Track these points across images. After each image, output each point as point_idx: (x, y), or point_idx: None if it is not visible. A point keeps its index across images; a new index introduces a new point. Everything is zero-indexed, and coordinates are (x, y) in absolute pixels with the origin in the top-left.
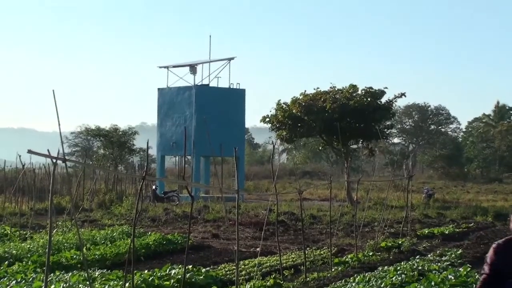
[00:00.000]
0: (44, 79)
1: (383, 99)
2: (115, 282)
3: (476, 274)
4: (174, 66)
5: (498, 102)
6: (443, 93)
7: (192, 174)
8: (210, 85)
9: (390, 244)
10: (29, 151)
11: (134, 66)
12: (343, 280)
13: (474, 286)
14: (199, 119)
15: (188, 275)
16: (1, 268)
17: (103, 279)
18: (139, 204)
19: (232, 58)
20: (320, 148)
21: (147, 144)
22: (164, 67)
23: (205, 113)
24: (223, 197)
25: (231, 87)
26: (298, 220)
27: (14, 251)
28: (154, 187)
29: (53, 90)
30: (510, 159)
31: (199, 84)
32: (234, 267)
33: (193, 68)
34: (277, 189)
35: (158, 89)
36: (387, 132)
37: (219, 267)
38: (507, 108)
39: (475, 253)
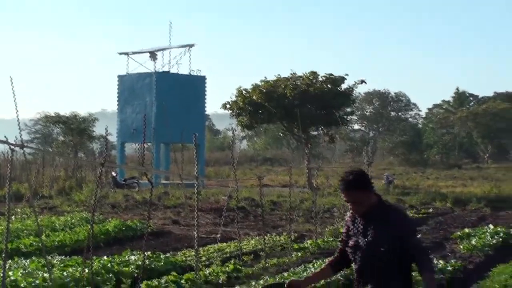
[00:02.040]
0: (2, 65)
1: (344, 86)
2: (74, 268)
3: (435, 259)
4: (134, 53)
5: (457, 89)
6: (404, 80)
7: (152, 160)
8: (171, 72)
9: None
10: None
11: (95, 52)
12: (302, 266)
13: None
14: (160, 106)
15: (147, 261)
16: None
17: (62, 265)
18: (98, 191)
19: (193, 45)
20: (280, 134)
21: (106, 131)
22: (124, 53)
23: (165, 99)
24: (183, 183)
25: (192, 74)
26: (258, 206)
27: None
28: (114, 173)
29: (11, 77)
30: (470, 146)
31: (159, 71)
32: (194, 253)
33: (153, 54)
34: (237, 175)
35: (118, 75)
36: (347, 119)
37: (179, 253)
38: (466, 94)
39: (434, 238)
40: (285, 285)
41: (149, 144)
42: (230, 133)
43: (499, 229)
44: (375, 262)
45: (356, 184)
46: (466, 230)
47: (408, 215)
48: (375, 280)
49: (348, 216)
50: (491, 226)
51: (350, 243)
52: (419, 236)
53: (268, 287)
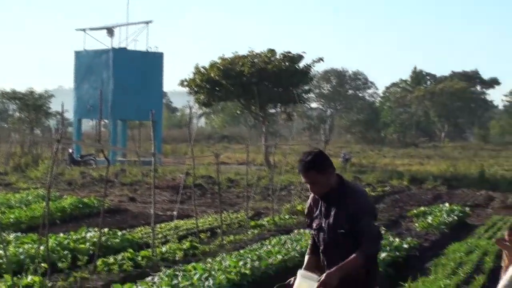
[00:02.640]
0: None
1: (301, 64)
2: (30, 246)
3: (390, 236)
4: (91, 29)
5: (415, 68)
6: (361, 59)
7: (109, 138)
8: (128, 48)
9: None
10: None
11: (51, 28)
12: (259, 243)
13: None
14: (117, 82)
15: (104, 238)
16: None
17: (18, 242)
18: (54, 168)
19: (150, 22)
20: (238, 112)
21: (62, 107)
22: (81, 29)
23: (122, 76)
24: (140, 160)
25: (149, 50)
26: (215, 183)
27: None
28: (70, 150)
29: None
30: (426, 124)
31: (116, 47)
32: (150, 230)
33: (110, 31)
34: (194, 153)
35: (75, 52)
36: (305, 97)
37: (135, 230)
38: (424, 73)
39: (390, 216)
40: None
41: (106, 121)
42: (187, 111)
43: (454, 207)
44: (337, 243)
45: (313, 165)
46: (422, 208)
47: (366, 196)
48: (339, 261)
49: (311, 198)
50: (446, 204)
51: (314, 225)
52: (371, 219)
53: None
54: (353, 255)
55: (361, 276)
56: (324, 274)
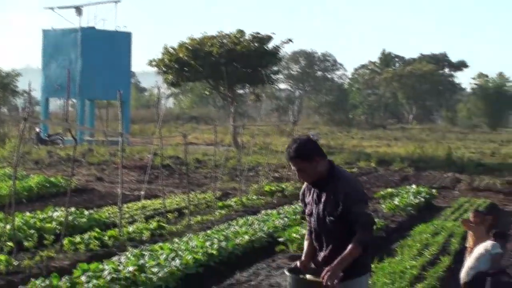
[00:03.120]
0: None
1: (270, 45)
2: None
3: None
4: (59, 7)
5: (384, 50)
6: (330, 40)
7: (76, 117)
8: (96, 28)
9: (274, 188)
10: None
11: (19, 6)
12: (226, 223)
13: None
14: (85, 62)
15: (70, 217)
16: None
17: None
18: (21, 147)
19: (119, 1)
20: (206, 92)
21: (29, 86)
22: (49, 8)
23: (90, 56)
24: (108, 140)
25: (117, 30)
26: (183, 164)
27: None
28: (37, 129)
29: None
30: (394, 106)
31: (85, 26)
32: (117, 210)
33: (78, 9)
34: (162, 133)
35: (43, 30)
36: (273, 78)
37: (102, 210)
38: (392, 56)
39: None
40: (300, 266)
41: (74, 100)
42: (156, 91)
43: (421, 189)
44: (328, 229)
45: (298, 153)
46: (389, 189)
47: (356, 183)
48: (331, 246)
49: (305, 184)
50: (413, 186)
51: (307, 210)
52: (363, 205)
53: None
54: (351, 245)
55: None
56: (327, 270)
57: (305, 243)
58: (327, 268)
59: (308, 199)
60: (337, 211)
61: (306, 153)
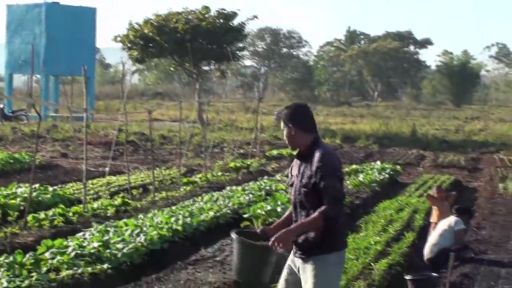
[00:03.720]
0: None
1: (235, 21)
2: None
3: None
4: None
5: (349, 27)
6: (296, 17)
7: (41, 93)
8: (61, 3)
9: (239, 165)
10: None
11: None
12: (191, 199)
13: None
14: (49, 37)
15: (35, 193)
16: None
17: None
18: None
19: None
20: (172, 69)
21: None
22: None
23: (55, 31)
24: (72, 116)
25: (82, 5)
26: (148, 140)
27: None
28: (1, 106)
29: None
30: (360, 83)
31: (49, 1)
32: (82, 186)
33: None
34: (127, 109)
35: (7, 5)
36: (239, 54)
37: (67, 186)
38: (357, 33)
39: None
40: (259, 231)
41: (38, 76)
42: (120, 67)
43: (386, 165)
44: (301, 200)
45: (283, 116)
46: (354, 166)
47: (332, 157)
48: (302, 218)
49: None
50: (378, 162)
51: (289, 181)
52: (335, 180)
53: (239, 233)
54: (313, 214)
55: (317, 236)
56: (279, 232)
57: (285, 214)
58: (281, 231)
59: (293, 171)
60: (310, 182)
61: (288, 118)
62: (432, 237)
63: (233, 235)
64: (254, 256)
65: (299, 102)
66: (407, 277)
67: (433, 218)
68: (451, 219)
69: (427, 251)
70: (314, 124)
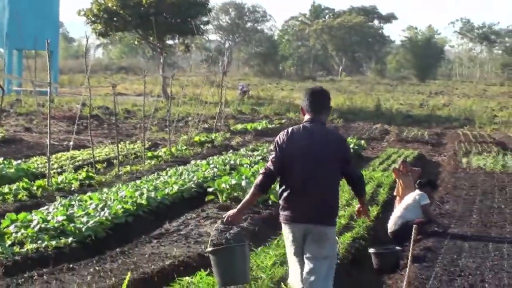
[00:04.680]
0: None
1: None
2: None
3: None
4: None
5: (314, 2)
6: None
7: (4, 67)
8: None
9: (203, 139)
10: None
11: None
12: (156, 174)
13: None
14: (12, 10)
15: None
16: None
17: None
18: None
19: None
20: (136, 43)
21: None
22: None
23: (18, 5)
24: (36, 90)
25: None
26: (112, 114)
27: None
28: None
29: None
30: (324, 58)
31: None
32: (46, 160)
33: None
34: (91, 83)
35: None
36: (203, 29)
37: (31, 161)
38: (322, 7)
39: None
40: (224, 219)
41: (1, 50)
42: (84, 41)
43: (350, 140)
44: None
45: None
46: None
47: (282, 132)
48: None
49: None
50: None
51: None
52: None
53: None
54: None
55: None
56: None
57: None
58: None
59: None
60: None
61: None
62: (397, 211)
63: (208, 252)
64: (224, 259)
65: (316, 86)
66: (371, 250)
67: (397, 191)
68: (416, 193)
69: (391, 224)
70: (313, 106)
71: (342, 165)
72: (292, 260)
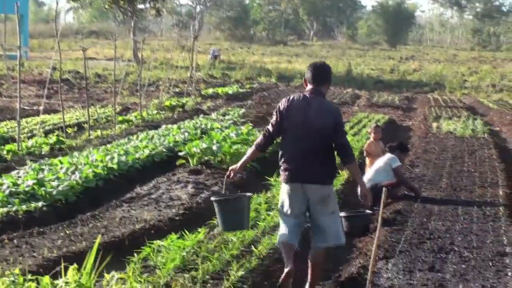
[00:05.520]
0: None
1: None
2: None
3: (257, 132)
4: None
5: None
6: None
7: None
8: None
9: (174, 103)
10: None
11: None
12: (126, 138)
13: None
14: None
15: None
16: None
17: None
18: None
19: None
20: (106, 7)
21: None
22: None
23: None
24: (6, 54)
25: None
26: (83, 78)
27: None
28: None
29: None
30: (295, 22)
31: None
32: (16, 125)
33: None
34: (62, 47)
35: None
36: None
37: (0, 125)
38: None
39: (257, 113)
40: (227, 173)
41: None
42: (55, 5)
43: None
44: None
45: None
46: None
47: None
48: None
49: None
50: None
51: None
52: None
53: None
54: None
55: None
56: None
57: None
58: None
59: None
60: None
61: None
62: (368, 173)
63: (213, 199)
64: (231, 208)
65: (319, 61)
66: (341, 214)
67: (367, 148)
68: (387, 157)
69: None
70: (314, 78)
71: (334, 132)
72: (282, 217)
